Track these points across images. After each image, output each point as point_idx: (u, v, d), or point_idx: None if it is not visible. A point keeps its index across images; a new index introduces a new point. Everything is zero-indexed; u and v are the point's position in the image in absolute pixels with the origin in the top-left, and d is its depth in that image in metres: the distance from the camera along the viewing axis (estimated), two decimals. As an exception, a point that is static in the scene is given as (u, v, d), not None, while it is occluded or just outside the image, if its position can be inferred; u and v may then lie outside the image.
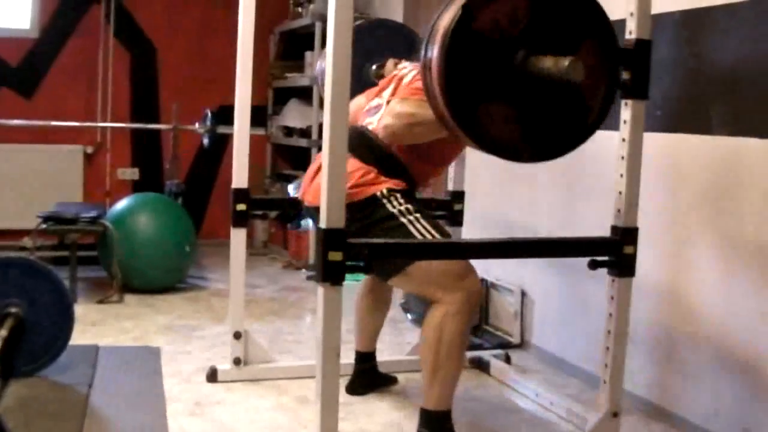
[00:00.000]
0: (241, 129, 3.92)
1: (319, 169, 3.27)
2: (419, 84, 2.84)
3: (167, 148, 7.13)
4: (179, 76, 7.36)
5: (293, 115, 7.21)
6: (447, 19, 2.55)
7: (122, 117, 7.17)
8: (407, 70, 3.41)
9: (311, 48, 6.67)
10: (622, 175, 3.00)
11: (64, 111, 6.80)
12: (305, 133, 6.84)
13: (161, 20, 7.31)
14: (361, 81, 3.80)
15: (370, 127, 3.34)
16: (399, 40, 4.04)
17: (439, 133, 2.98)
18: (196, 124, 6.58)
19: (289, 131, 7.20)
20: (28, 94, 6.89)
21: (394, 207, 3.17)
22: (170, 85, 7.36)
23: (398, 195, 3.20)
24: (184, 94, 7.19)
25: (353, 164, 3.19)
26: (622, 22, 2.96)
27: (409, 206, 3.18)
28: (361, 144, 3.25)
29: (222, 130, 6.27)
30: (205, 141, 6.49)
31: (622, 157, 2.99)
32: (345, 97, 2.56)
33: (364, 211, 3.13)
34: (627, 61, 2.91)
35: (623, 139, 2.99)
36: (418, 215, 3.17)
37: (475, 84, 2.57)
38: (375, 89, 3.59)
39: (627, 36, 2.93)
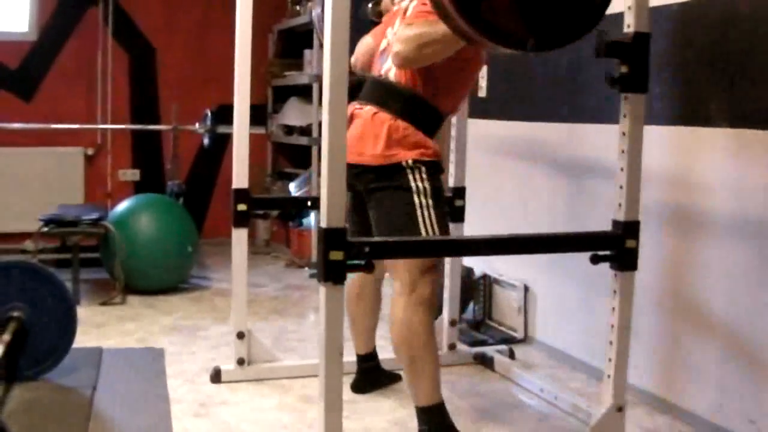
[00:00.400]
0: (240, 129, 3.92)
1: (348, 121, 3.22)
2: (423, 7, 2.88)
3: (168, 148, 7.13)
4: (179, 77, 7.35)
5: (293, 114, 7.20)
6: None
7: (122, 118, 7.17)
8: (408, 1, 3.37)
9: (310, 46, 6.65)
10: (622, 169, 2.99)
11: (63, 113, 6.79)
12: (305, 131, 6.83)
13: (159, 20, 7.31)
14: (359, 21, 3.67)
15: (390, 75, 3.32)
16: None
17: (449, 50, 3.00)
18: (196, 124, 6.58)
19: (289, 130, 7.19)
20: (28, 97, 6.88)
21: (415, 181, 3.18)
22: (170, 85, 7.35)
23: (423, 169, 3.20)
24: (183, 94, 7.20)
25: (382, 118, 3.21)
26: (620, 16, 2.95)
27: (428, 187, 3.19)
28: (385, 94, 3.26)
29: (222, 129, 6.27)
30: (206, 141, 6.49)
31: (623, 151, 2.99)
32: (343, 90, 2.55)
33: (387, 176, 3.18)
34: (625, 54, 2.90)
35: (623, 133, 2.98)
36: (431, 202, 3.19)
37: None
38: (381, 28, 3.56)
39: (625, 29, 2.92)
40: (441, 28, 2.81)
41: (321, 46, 3.07)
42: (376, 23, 3.67)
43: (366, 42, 3.57)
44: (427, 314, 3.16)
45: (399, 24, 3.31)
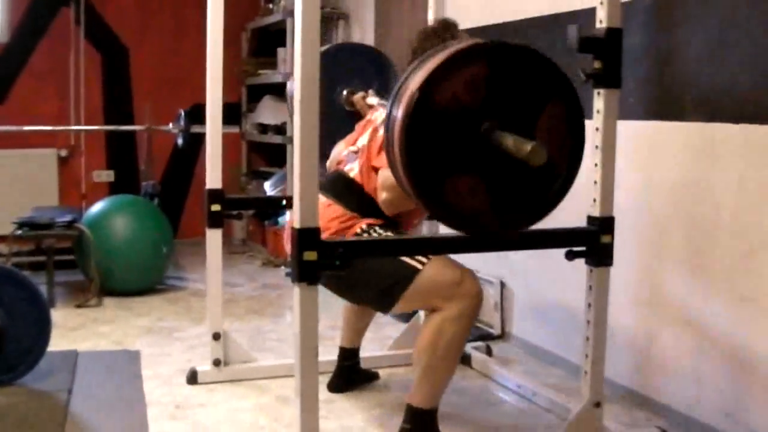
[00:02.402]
0: (213, 129, 3.90)
1: None
2: None
3: (142, 149, 7.12)
4: (152, 77, 7.33)
5: (267, 112, 7.19)
6: (412, 87, 2.50)
7: (95, 119, 7.14)
8: (381, 120, 3.33)
9: (283, 44, 6.65)
10: (596, 165, 3.00)
11: (36, 115, 6.75)
12: (280, 129, 6.81)
13: (132, 21, 7.28)
14: (333, 105, 3.86)
15: (351, 174, 3.36)
16: (367, 63, 4.06)
17: None
18: (170, 125, 6.54)
19: (263, 128, 7.18)
20: (0, 99, 6.83)
21: (371, 235, 3.18)
22: (143, 85, 7.33)
23: (377, 227, 3.21)
24: (157, 94, 7.18)
25: (336, 210, 3.25)
26: (592, 11, 2.95)
27: (389, 233, 3.19)
28: (344, 191, 3.28)
29: (196, 129, 6.22)
30: (180, 141, 6.46)
31: (597, 147, 2.99)
32: (315, 89, 2.53)
33: None
34: (598, 50, 2.90)
35: (597, 129, 2.98)
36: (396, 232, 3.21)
37: (440, 160, 2.52)
38: (352, 136, 3.60)
39: (598, 25, 2.92)
40: None
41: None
42: (348, 111, 3.79)
43: (339, 150, 3.61)
44: (462, 328, 3.07)
45: (369, 140, 3.34)
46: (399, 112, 2.53)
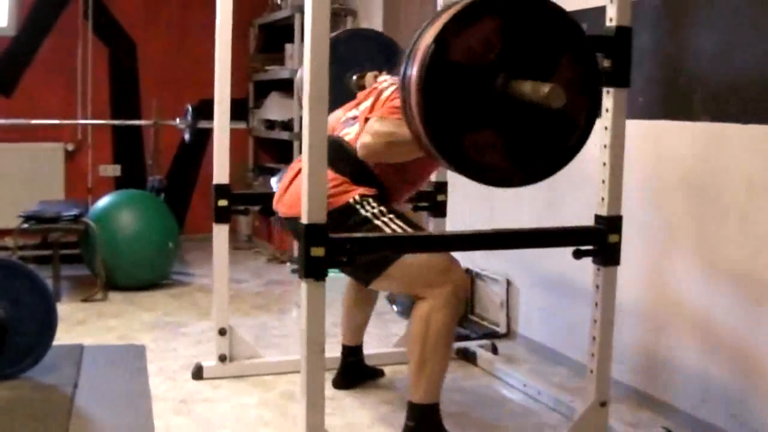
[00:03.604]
0: (221, 124, 3.90)
1: (294, 177, 3.30)
2: (398, 102, 2.80)
3: (148, 143, 7.11)
4: (159, 72, 7.32)
5: (274, 108, 7.18)
6: (426, 42, 2.51)
7: (102, 113, 7.14)
8: (387, 84, 3.38)
9: (291, 40, 6.64)
10: (605, 164, 2.99)
11: (43, 109, 6.76)
12: (287, 125, 6.81)
13: (140, 15, 7.27)
14: (343, 91, 3.80)
15: (347, 138, 3.33)
16: (378, 50, 4.04)
17: (418, 153, 2.92)
18: (177, 120, 6.55)
19: (270, 124, 7.18)
20: (7, 93, 6.84)
21: (367, 211, 3.14)
22: (150, 80, 7.32)
23: (370, 199, 3.18)
24: (164, 89, 7.17)
25: (328, 175, 3.18)
26: (602, 10, 2.94)
27: (383, 208, 3.16)
28: (337, 156, 3.22)
29: (203, 124, 6.23)
30: (186, 136, 6.46)
31: (605, 146, 2.98)
32: (324, 85, 2.53)
33: (338, 219, 3.08)
34: (607, 48, 2.89)
35: (605, 128, 2.98)
36: (392, 215, 3.15)
37: (458, 115, 2.52)
38: (353, 102, 3.57)
39: (607, 23, 2.91)
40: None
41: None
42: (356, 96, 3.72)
43: (335, 114, 3.56)
44: (448, 317, 3.08)
45: (371, 105, 3.32)
46: (414, 69, 2.53)
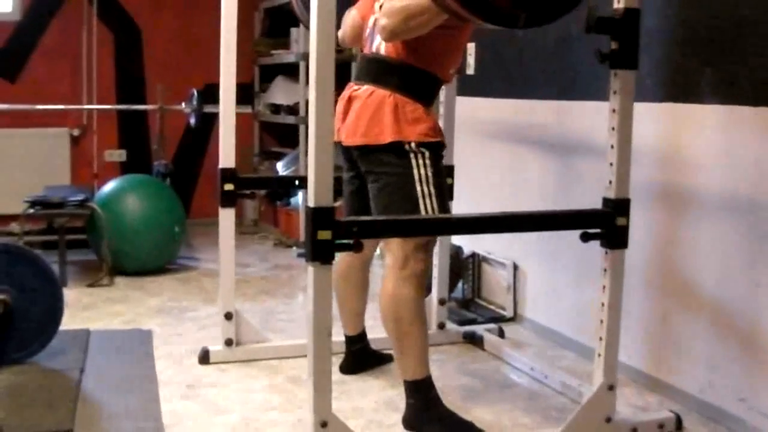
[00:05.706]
0: (226, 108, 3.88)
1: (347, 103, 3.26)
2: None
3: (154, 128, 7.10)
4: (164, 56, 7.30)
5: (280, 92, 7.16)
6: None
7: (108, 98, 7.13)
8: None
9: (297, 24, 6.60)
10: (612, 147, 2.97)
11: (48, 94, 6.74)
12: (293, 110, 6.79)
13: (144, 0, 7.24)
14: None
15: (382, 50, 3.27)
16: None
17: (436, 21, 2.92)
18: (183, 104, 6.54)
19: (276, 108, 7.16)
20: (12, 78, 6.83)
21: (418, 167, 3.13)
22: (155, 65, 7.30)
23: (426, 154, 3.15)
24: (169, 73, 7.16)
25: (380, 95, 3.16)
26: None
27: (430, 175, 3.14)
28: (380, 71, 3.21)
29: (208, 109, 6.22)
30: (192, 120, 6.45)
31: (613, 128, 2.97)
32: (330, 69, 2.52)
33: (390, 158, 3.13)
34: (615, 30, 2.87)
35: (613, 110, 2.96)
36: (433, 191, 3.15)
37: None
38: (368, 2, 3.47)
39: (615, 5, 2.89)
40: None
41: (306, 26, 3.00)
42: None
43: (352, 15, 3.51)
44: (417, 290, 3.15)
45: None
46: None
